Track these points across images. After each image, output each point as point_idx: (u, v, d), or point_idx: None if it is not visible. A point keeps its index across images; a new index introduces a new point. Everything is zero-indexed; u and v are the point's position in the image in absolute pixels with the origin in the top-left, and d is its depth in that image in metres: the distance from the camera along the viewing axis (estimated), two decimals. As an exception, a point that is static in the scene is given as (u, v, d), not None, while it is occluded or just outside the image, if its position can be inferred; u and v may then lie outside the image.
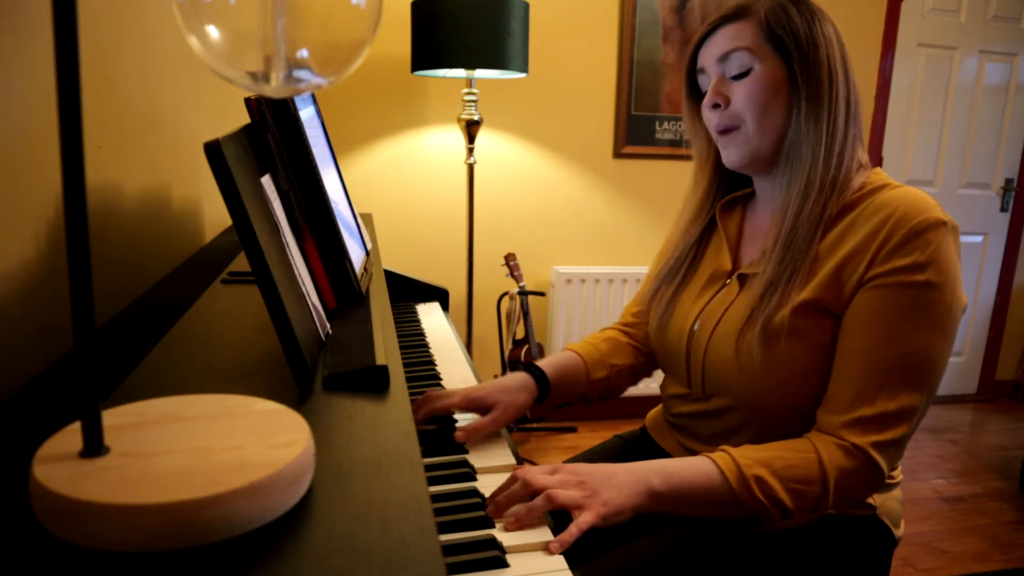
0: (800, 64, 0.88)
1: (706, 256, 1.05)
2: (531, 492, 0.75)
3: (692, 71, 0.99)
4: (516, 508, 0.74)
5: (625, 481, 0.78)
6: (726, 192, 1.07)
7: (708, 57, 0.94)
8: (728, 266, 1.00)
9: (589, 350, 1.12)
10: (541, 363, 1.07)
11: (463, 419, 0.99)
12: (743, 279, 0.96)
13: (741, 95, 0.90)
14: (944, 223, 0.82)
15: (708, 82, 0.96)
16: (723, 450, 0.83)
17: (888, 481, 0.97)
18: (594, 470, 0.79)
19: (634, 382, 1.16)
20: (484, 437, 0.95)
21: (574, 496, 0.74)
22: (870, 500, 0.94)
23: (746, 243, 1.02)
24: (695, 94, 1.01)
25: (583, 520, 0.72)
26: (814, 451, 0.82)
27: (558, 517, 0.76)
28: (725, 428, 0.97)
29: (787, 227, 0.89)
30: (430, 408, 0.95)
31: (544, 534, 0.71)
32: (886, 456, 0.82)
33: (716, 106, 0.93)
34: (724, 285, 0.99)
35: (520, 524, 0.72)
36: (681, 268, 1.05)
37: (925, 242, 0.81)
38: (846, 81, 0.90)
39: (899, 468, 1.00)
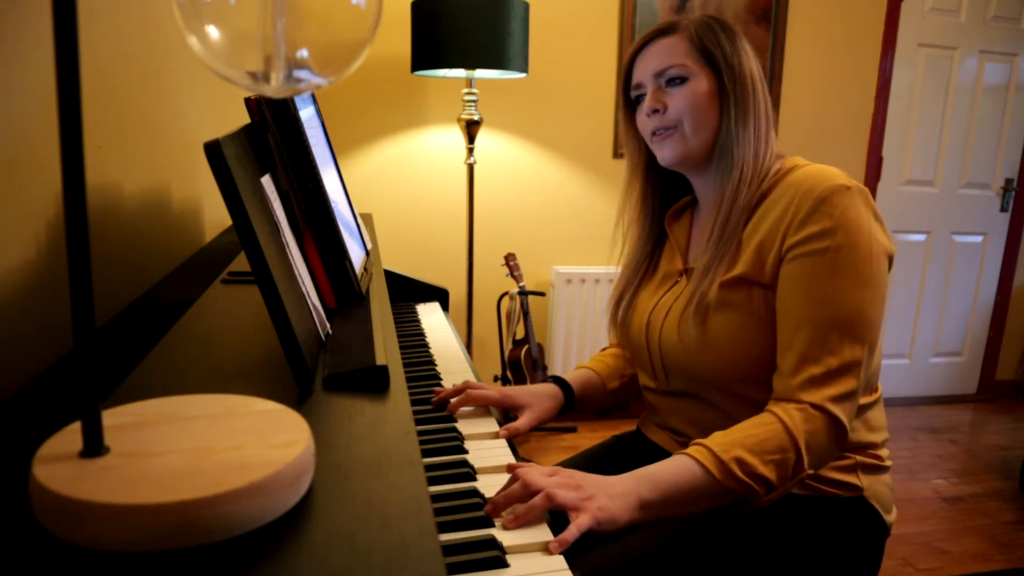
0: (728, 75, 0.98)
1: (662, 261, 1.13)
2: (530, 493, 0.75)
3: (627, 83, 1.07)
4: (516, 506, 0.74)
5: (617, 492, 0.79)
6: (662, 196, 1.14)
7: (644, 71, 1.03)
8: (680, 266, 1.08)
9: (600, 365, 1.20)
10: (564, 376, 1.15)
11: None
12: (690, 274, 1.04)
13: (678, 101, 0.99)
14: (847, 187, 0.89)
15: (641, 91, 1.04)
16: (697, 443, 0.85)
17: (875, 463, 0.99)
18: (589, 477, 0.80)
19: (641, 392, 1.21)
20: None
21: (572, 497, 0.75)
22: (856, 481, 0.97)
23: (694, 244, 1.09)
24: (629, 102, 1.09)
25: (581, 521, 0.73)
26: (777, 420, 0.85)
27: (555, 521, 0.76)
28: (697, 413, 1.02)
29: (721, 219, 0.98)
30: (467, 398, 1.01)
31: (544, 534, 0.71)
32: (842, 409, 0.86)
33: (655, 111, 1.01)
34: (675, 282, 1.08)
35: (519, 522, 0.72)
36: (638, 274, 1.14)
37: (831, 207, 0.88)
38: (764, 89, 1.02)
39: (887, 451, 1.02)
